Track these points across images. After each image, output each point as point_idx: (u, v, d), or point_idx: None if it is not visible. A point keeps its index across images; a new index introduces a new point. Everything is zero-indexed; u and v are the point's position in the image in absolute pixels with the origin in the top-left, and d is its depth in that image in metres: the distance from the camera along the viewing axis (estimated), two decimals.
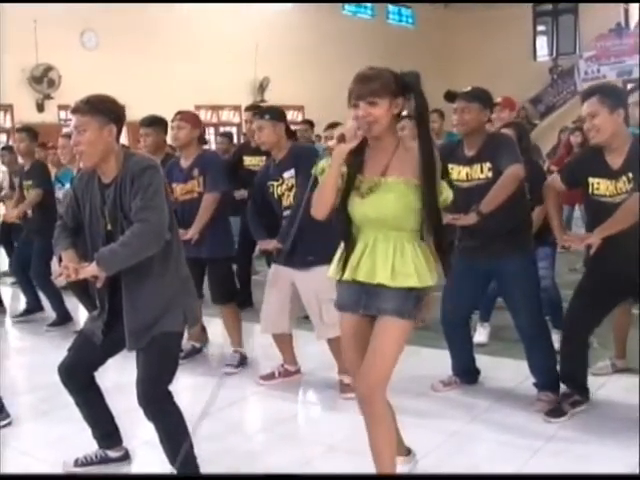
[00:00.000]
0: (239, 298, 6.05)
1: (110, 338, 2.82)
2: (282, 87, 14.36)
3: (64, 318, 5.76)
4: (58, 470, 3.11)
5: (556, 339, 3.86)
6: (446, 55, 18.12)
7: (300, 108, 15.03)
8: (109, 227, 2.75)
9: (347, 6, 17.40)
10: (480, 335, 4.73)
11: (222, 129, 12.04)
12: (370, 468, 2.59)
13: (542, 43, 18.96)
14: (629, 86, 12.88)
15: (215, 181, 4.40)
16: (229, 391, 3.82)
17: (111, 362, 2.97)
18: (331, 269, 2.62)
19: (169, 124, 4.74)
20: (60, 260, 2.84)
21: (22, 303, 6.30)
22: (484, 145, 3.58)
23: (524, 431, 3.36)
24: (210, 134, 12.58)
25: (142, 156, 2.86)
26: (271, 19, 15.24)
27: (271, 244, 4.05)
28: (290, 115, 11.41)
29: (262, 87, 15.06)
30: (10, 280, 7.55)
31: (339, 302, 2.64)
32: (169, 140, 4.99)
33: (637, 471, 2.90)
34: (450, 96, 3.64)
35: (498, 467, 3.01)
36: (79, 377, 2.93)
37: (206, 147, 5.00)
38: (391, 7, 18.62)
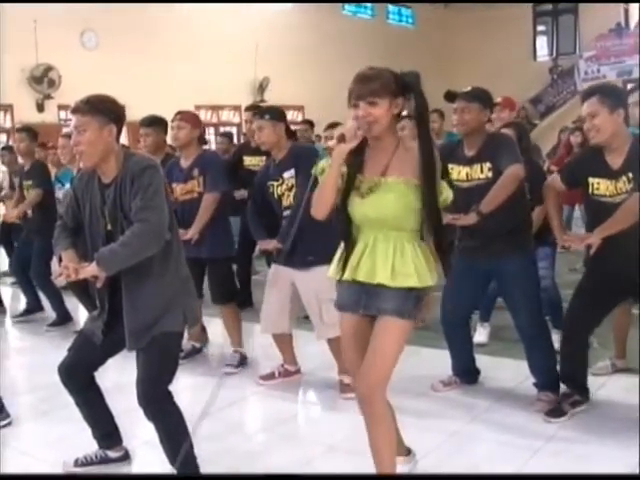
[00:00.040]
0: (239, 298, 6.07)
1: (110, 338, 2.82)
2: (282, 87, 14.35)
3: (64, 318, 5.76)
4: (58, 470, 3.11)
5: (556, 339, 3.87)
6: (446, 55, 18.11)
7: (300, 108, 15.03)
8: (109, 227, 2.75)
9: (347, 6, 17.40)
10: (480, 335, 4.73)
11: (222, 129, 12.04)
12: (370, 468, 2.59)
13: (542, 43, 18.96)
14: (629, 86, 12.88)
15: (215, 181, 4.40)
16: (229, 391, 3.83)
17: (111, 362, 2.97)
18: (331, 269, 2.62)
19: (169, 124, 4.74)
20: (60, 260, 2.84)
21: (22, 303, 6.30)
22: (484, 145, 3.58)
23: (524, 431, 3.36)
24: (210, 134, 12.58)
25: (142, 156, 2.86)
26: (271, 19, 15.24)
27: (271, 244, 4.05)
28: (290, 115, 11.41)
29: (262, 87, 15.06)
30: (10, 280, 7.55)
31: (339, 302, 2.64)
32: (169, 140, 4.99)
33: (637, 471, 2.89)
34: (450, 96, 3.64)
35: (498, 467, 3.01)
36: (79, 377, 2.93)
37: (206, 147, 5.00)
38: (391, 7, 18.62)
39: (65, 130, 7.00)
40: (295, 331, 4.25)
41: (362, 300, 2.54)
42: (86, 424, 3.06)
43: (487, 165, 3.54)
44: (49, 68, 11.88)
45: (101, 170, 2.75)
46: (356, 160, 2.48)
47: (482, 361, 4.09)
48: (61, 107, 11.75)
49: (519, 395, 3.80)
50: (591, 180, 3.35)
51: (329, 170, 2.43)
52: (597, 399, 3.67)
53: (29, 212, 5.89)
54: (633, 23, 16.59)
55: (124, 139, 8.98)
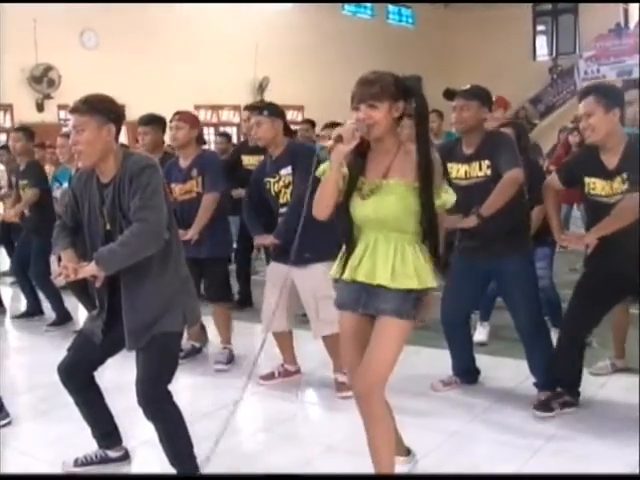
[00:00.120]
0: (240, 298, 6.08)
1: (110, 338, 2.82)
2: (282, 87, 14.35)
3: (64, 318, 5.76)
4: (58, 470, 3.11)
5: (556, 338, 3.86)
6: (446, 55, 18.12)
7: (300, 108, 15.03)
8: (108, 227, 2.74)
9: (347, 6, 17.41)
10: (480, 334, 4.73)
11: (222, 129, 12.04)
12: (370, 468, 2.60)
13: (542, 43, 18.97)
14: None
15: (214, 181, 4.40)
16: (229, 391, 3.82)
17: (110, 362, 2.97)
18: (333, 269, 2.63)
19: (167, 123, 4.74)
20: (59, 260, 2.84)
21: (22, 303, 6.30)
22: (482, 143, 3.58)
23: (524, 431, 3.36)
24: (210, 134, 12.58)
25: (141, 155, 2.85)
26: (271, 19, 15.25)
27: (267, 239, 4.05)
28: (290, 115, 11.42)
29: (262, 87, 15.06)
30: (10, 280, 7.55)
31: (338, 300, 2.65)
32: (168, 140, 4.99)
33: (637, 471, 2.90)
34: (449, 94, 3.65)
35: (498, 467, 3.01)
36: (79, 377, 2.93)
37: (205, 147, 5.00)
38: (391, 7, 18.62)
39: (65, 130, 6.99)
40: (295, 331, 4.25)
41: (361, 299, 2.54)
42: (86, 424, 3.05)
43: (486, 163, 3.54)
44: (49, 68, 11.88)
45: (100, 170, 2.75)
46: (358, 162, 2.52)
47: (482, 361, 4.09)
48: (61, 107, 11.75)
49: (519, 395, 3.80)
50: (587, 180, 3.35)
51: (329, 171, 2.46)
52: (597, 399, 3.67)
53: (26, 212, 5.88)
54: (633, 23, 16.59)
55: (123, 139, 8.98)
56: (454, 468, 3.00)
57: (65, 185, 5.53)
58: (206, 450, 2.86)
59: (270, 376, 4.21)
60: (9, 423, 3.66)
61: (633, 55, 15.47)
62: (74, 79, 11.17)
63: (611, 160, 3.27)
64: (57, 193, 5.73)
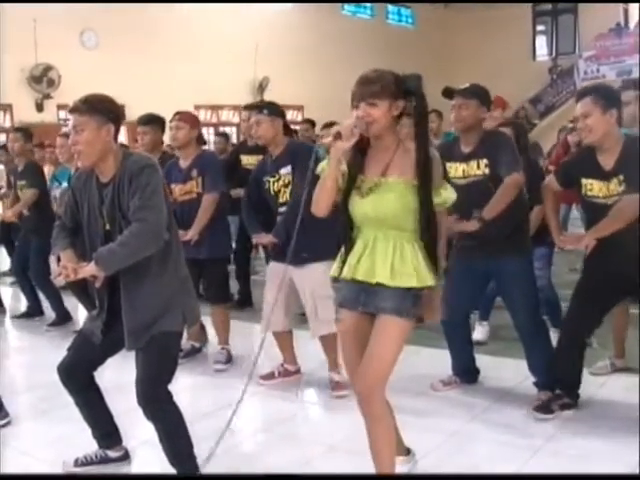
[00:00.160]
0: (240, 298, 6.08)
1: (109, 338, 2.82)
2: (282, 87, 14.36)
3: (64, 318, 5.76)
4: (58, 470, 3.10)
5: (555, 338, 3.86)
6: (446, 55, 18.13)
7: (300, 108, 15.04)
8: (107, 227, 2.74)
9: (347, 6, 17.42)
10: (479, 333, 4.73)
11: (222, 129, 12.04)
12: (370, 468, 2.59)
13: (542, 43, 18.99)
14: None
15: (214, 182, 4.40)
16: (229, 391, 3.82)
17: (110, 362, 2.97)
18: (332, 268, 2.63)
19: (167, 123, 4.73)
20: (59, 260, 2.84)
21: (22, 303, 6.30)
22: (481, 142, 3.59)
23: (524, 431, 3.36)
24: (210, 134, 12.58)
25: (140, 155, 2.85)
26: (271, 19, 15.25)
27: (266, 238, 4.05)
28: (290, 115, 11.43)
29: (262, 87, 15.07)
30: (10, 280, 7.55)
31: (338, 299, 2.66)
32: (168, 140, 4.99)
33: (637, 471, 2.89)
34: (448, 93, 3.65)
35: (498, 467, 3.01)
36: (78, 377, 2.93)
37: (205, 147, 4.99)
38: (391, 7, 18.64)
39: (64, 130, 6.99)
40: (295, 331, 4.25)
41: (361, 297, 2.54)
42: (86, 424, 3.05)
43: (484, 161, 3.55)
44: (48, 68, 11.89)
45: (99, 169, 2.75)
46: (357, 160, 2.51)
47: (482, 361, 4.09)
48: (60, 107, 11.76)
49: (519, 395, 3.80)
50: (584, 181, 3.35)
51: (328, 168, 2.46)
52: (597, 399, 3.67)
53: (25, 212, 5.88)
54: (633, 23, 16.60)
55: (123, 138, 8.98)
56: (454, 468, 3.00)
57: (65, 185, 5.53)
58: (206, 450, 2.86)
59: (270, 376, 4.21)
60: (9, 423, 3.66)
61: (633, 55, 15.47)
62: (74, 79, 11.18)
63: (608, 161, 3.27)
64: (56, 192, 5.74)
